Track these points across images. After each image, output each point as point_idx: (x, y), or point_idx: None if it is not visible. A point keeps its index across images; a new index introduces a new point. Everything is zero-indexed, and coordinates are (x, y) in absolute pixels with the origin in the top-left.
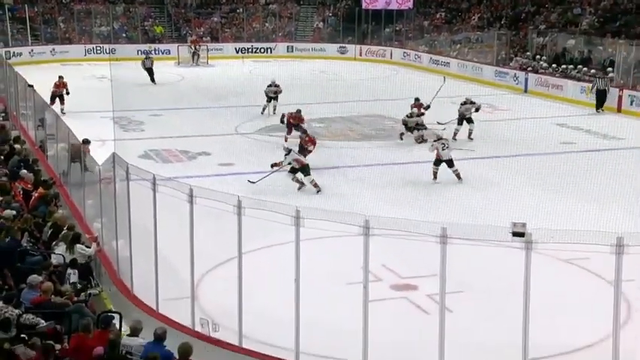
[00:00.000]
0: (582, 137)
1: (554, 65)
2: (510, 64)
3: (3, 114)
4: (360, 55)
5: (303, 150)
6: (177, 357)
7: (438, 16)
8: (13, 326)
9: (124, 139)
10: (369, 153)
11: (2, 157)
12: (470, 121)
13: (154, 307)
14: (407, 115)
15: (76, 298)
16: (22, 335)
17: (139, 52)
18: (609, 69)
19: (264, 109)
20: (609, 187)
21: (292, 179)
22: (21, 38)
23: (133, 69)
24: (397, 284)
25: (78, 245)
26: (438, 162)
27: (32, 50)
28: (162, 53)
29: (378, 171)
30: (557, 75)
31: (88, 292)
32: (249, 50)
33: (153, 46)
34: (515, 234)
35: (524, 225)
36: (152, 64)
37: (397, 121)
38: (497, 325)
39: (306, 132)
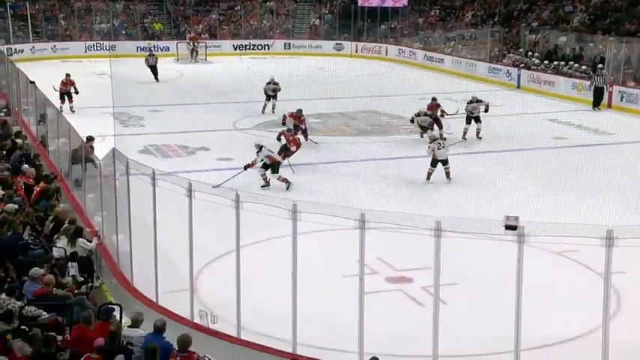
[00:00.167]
0: (573, 132)
1: (546, 62)
2: (503, 60)
3: (5, 110)
4: (356, 51)
5: (286, 149)
6: (176, 348)
7: (432, 13)
8: (15, 318)
9: (124, 134)
10: (364, 148)
11: (4, 152)
12: (478, 120)
13: (154, 300)
14: (415, 114)
15: (77, 291)
16: (23, 327)
17: (139, 49)
18: (600, 65)
19: (264, 108)
20: (600, 181)
21: (262, 175)
22: (22, 35)
23: (132, 65)
24: (392, 277)
25: (80, 239)
26: (434, 163)
27: (33, 47)
28: (162, 50)
29: (373, 166)
30: (549, 71)
31: (89, 284)
32: (247, 47)
33: (152, 42)
34: (507, 227)
35: (516, 218)
36: (156, 62)
37: (393, 117)
38: (491, 316)
39: (305, 132)
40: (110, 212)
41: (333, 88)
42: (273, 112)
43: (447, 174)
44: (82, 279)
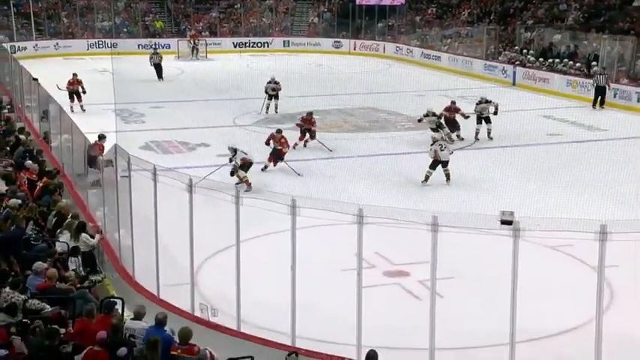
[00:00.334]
0: (568, 129)
1: (541, 59)
2: (499, 58)
3: (9, 106)
4: (354, 49)
5: (279, 152)
6: (177, 341)
7: (429, 11)
8: (19, 311)
9: (126, 130)
10: (362, 144)
11: (8, 148)
12: (488, 120)
13: (155, 293)
14: (423, 114)
15: (79, 285)
16: (25, 320)
17: (140, 47)
18: (594, 62)
19: (267, 108)
20: (594, 176)
21: (233, 174)
22: (25, 33)
23: (134, 63)
24: (390, 271)
25: (83, 235)
26: (434, 164)
27: (36, 45)
28: (163, 48)
29: (371, 161)
30: (543, 69)
31: (91, 278)
32: (247, 45)
33: (154, 40)
34: (503, 222)
35: (512, 213)
36: (160, 61)
37: (390, 114)
38: (487, 309)
39: (313, 135)
40: (112, 207)
41: (332, 85)
42: (277, 113)
43: (447, 176)
44: (84, 274)
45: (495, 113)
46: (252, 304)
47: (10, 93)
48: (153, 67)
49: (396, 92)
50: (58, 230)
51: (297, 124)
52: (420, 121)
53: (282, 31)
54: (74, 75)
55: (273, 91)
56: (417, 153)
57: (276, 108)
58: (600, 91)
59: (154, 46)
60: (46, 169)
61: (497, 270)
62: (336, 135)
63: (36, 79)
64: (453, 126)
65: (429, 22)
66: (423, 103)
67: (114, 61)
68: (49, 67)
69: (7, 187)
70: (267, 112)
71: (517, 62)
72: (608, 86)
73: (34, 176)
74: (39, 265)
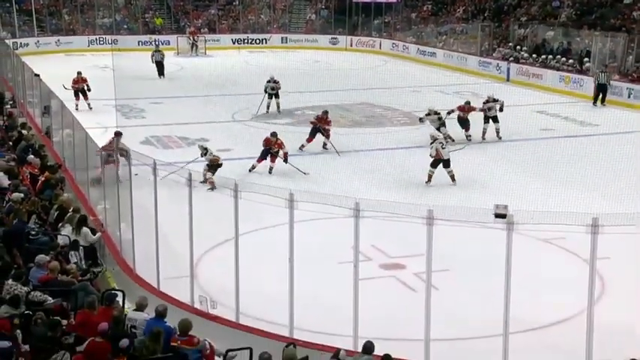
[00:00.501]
0: (560, 124)
1: (534, 55)
2: (493, 54)
3: (11, 102)
4: (351, 45)
5: (271, 153)
6: (177, 332)
7: (424, 8)
8: (22, 303)
9: (126, 125)
10: (359, 139)
11: (11, 143)
12: (495, 120)
13: (155, 286)
14: (426, 114)
15: (80, 277)
16: (28, 312)
17: (140, 43)
18: (586, 59)
19: (268, 107)
20: (586, 170)
21: (204, 173)
22: (27, 29)
23: (134, 59)
24: (386, 263)
25: (84, 229)
26: (436, 163)
27: (38, 41)
28: (162, 44)
29: (367, 156)
30: (537, 65)
31: (92, 270)
32: (245, 41)
33: (154, 37)
34: (497, 215)
35: (505, 207)
36: (162, 58)
37: (387, 109)
38: (481, 301)
39: (328, 135)
40: (113, 201)
41: (329, 80)
42: (279, 112)
43: (452, 177)
44: (86, 267)
45: (501, 110)
46: (251, 296)
47: (12, 89)
48: (154, 65)
49: (392, 88)
50: (60, 224)
51: (312, 122)
52: (421, 120)
53: (280, 27)
54: (79, 73)
55: (272, 90)
56: (413, 148)
57: (278, 107)
58: (601, 89)
59: (155, 43)
60: (48, 163)
61: (491, 262)
62: (333, 130)
63: (38, 75)
64: (464, 125)
65: (424, 19)
66: (419, 99)
67: (114, 57)
68: (50, 63)
69: (9, 182)
70: (267, 112)
71: (511, 58)
72: (609, 84)
73: (36, 170)
74: (41, 257)
